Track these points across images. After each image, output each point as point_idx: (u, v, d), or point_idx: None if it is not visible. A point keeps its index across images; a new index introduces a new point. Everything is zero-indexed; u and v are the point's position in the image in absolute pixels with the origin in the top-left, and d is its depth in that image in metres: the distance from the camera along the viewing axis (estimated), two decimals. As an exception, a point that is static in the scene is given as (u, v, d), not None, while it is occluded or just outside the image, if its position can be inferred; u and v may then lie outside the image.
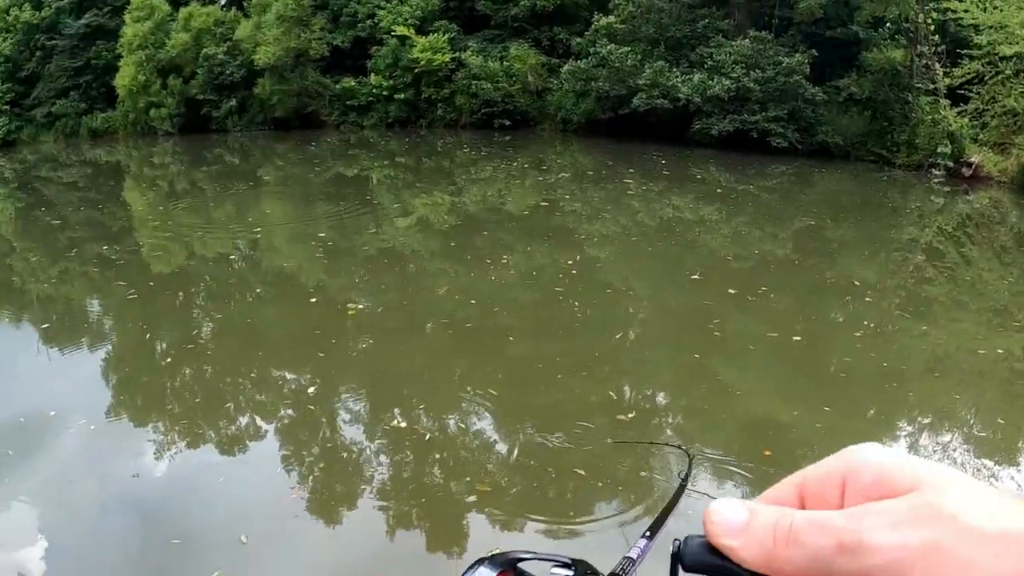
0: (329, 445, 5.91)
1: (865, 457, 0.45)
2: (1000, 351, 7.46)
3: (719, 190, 13.67)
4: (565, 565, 0.56)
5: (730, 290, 8.71)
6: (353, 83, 24.00)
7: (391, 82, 23.31)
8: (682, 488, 1.33)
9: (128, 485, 5.27)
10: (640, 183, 14.12)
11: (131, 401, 6.56)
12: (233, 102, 25.53)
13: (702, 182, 14.33)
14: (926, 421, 6.29)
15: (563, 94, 19.97)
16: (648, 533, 0.92)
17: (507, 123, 20.58)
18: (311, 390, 6.64)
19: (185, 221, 12.30)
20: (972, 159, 15.00)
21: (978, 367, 7.23)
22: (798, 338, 7.44)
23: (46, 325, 8.11)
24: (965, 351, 7.53)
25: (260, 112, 25.37)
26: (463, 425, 6.03)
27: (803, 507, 0.45)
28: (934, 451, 5.79)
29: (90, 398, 6.50)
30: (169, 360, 7.21)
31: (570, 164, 16.52)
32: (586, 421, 5.95)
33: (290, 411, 6.32)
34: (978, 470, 5.50)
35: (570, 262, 9.75)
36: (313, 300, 8.58)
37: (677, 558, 0.45)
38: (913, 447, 5.90)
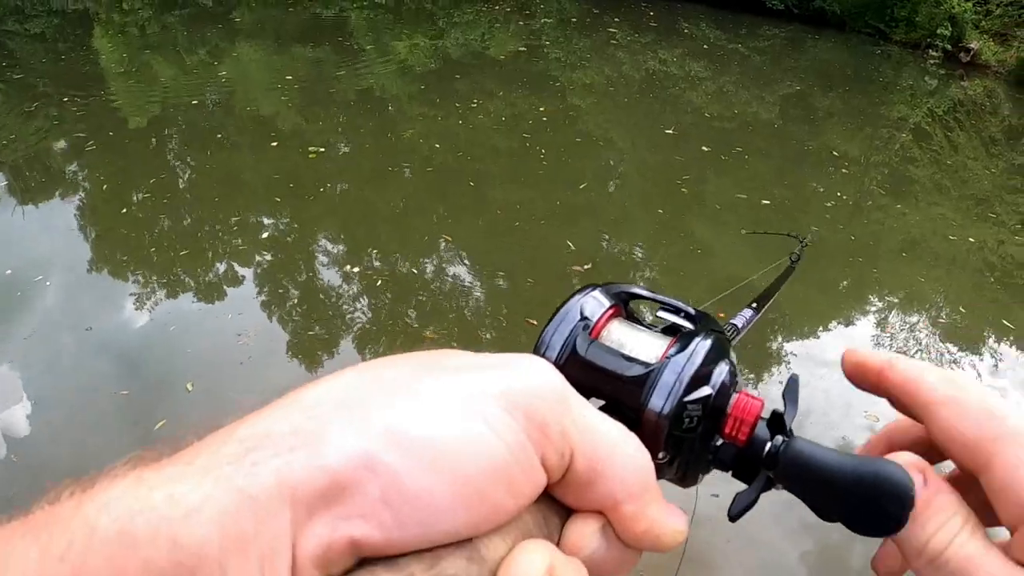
0: (280, 291, 5.72)
1: None
2: (973, 240, 7.33)
3: (706, 47, 13.04)
4: (680, 312, 0.48)
5: (704, 147, 8.35)
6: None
7: (373, -85, 21.84)
8: (791, 269, 1.29)
9: (80, 338, 5.12)
10: (626, 34, 13.43)
11: (85, 255, 6.21)
12: (204, -60, 23.84)
13: (690, 37, 13.66)
14: (895, 300, 6.23)
15: (554, -67, 18.86)
16: (755, 304, 0.89)
17: (491, -36, 19.52)
18: (276, 232, 6.41)
19: (154, 68, 11.49)
20: (971, 45, 14.44)
21: (951, 253, 7.10)
22: (767, 202, 7.20)
23: (3, 183, 7.55)
24: (940, 236, 7.37)
25: (234, -50, 23.75)
26: (415, 271, 5.86)
27: None
28: (900, 329, 5.79)
29: (46, 254, 6.18)
30: (124, 212, 6.81)
31: (555, 10, 15.71)
32: (538, 273, 5.77)
33: (242, 260, 6.07)
34: (940, 354, 5.55)
35: (549, 109, 9.32)
36: (274, 144, 8.07)
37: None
38: (881, 324, 5.91)
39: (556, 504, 0.36)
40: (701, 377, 0.43)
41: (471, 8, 15.39)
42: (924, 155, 9.49)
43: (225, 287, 5.77)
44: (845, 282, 6.38)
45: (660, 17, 14.83)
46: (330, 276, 5.85)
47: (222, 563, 0.26)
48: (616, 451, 0.35)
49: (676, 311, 0.49)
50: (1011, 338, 6.01)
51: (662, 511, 0.36)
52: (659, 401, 0.42)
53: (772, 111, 10.23)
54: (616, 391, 0.43)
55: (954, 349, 5.69)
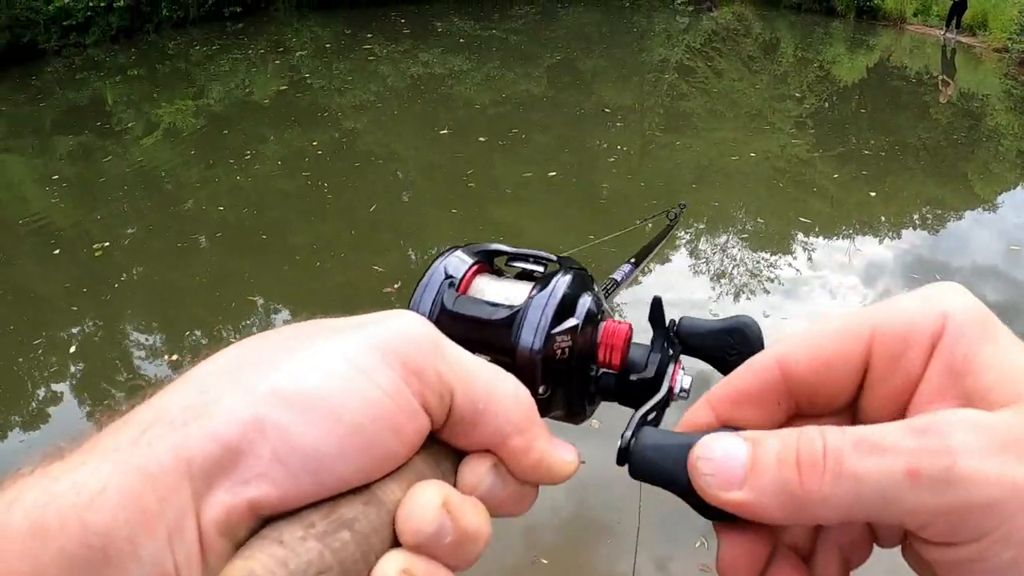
0: (106, 400, 5.32)
1: (923, 318, 0.33)
2: (755, 154, 7.59)
3: (462, 40, 13.12)
4: (540, 260, 0.49)
5: (480, 138, 8.30)
6: (67, 0, 21.24)
7: (107, -11, 20.79)
8: (670, 228, 1.36)
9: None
10: (383, 46, 13.33)
11: None
12: (-64, 53, 22.14)
13: (446, 34, 13.69)
14: (700, 227, 6.32)
15: (293, -33, 18.53)
16: (633, 260, 0.91)
17: (238, 10, 18.81)
18: (72, 349, 5.89)
19: None
20: (712, -23, 15.09)
21: (742, 170, 7.31)
22: (553, 173, 7.19)
23: None
24: (725, 158, 7.56)
25: (-30, 58, 22.09)
26: (237, 337, 5.49)
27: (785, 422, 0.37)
28: (712, 252, 5.93)
29: None
30: None
31: (309, 40, 15.48)
32: (353, 305, 5.51)
33: (59, 379, 5.62)
34: (757, 264, 5.73)
35: (316, 143, 9.08)
36: (57, 252, 7.42)
37: (625, 455, 0.38)
38: (694, 254, 6.02)
39: (447, 448, 0.36)
40: (565, 309, 0.44)
41: (225, 58, 14.97)
42: (693, 88, 9.76)
43: (48, 410, 5.38)
44: (650, 226, 6.40)
45: (412, 22, 14.79)
46: (153, 369, 5.49)
47: (131, 541, 0.27)
48: (494, 388, 0.35)
49: (536, 260, 0.49)
50: (815, 229, 6.25)
51: (550, 443, 0.37)
52: (528, 337, 0.43)
53: (541, 85, 10.30)
54: (488, 337, 0.44)
55: (768, 255, 5.83)
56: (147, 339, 5.91)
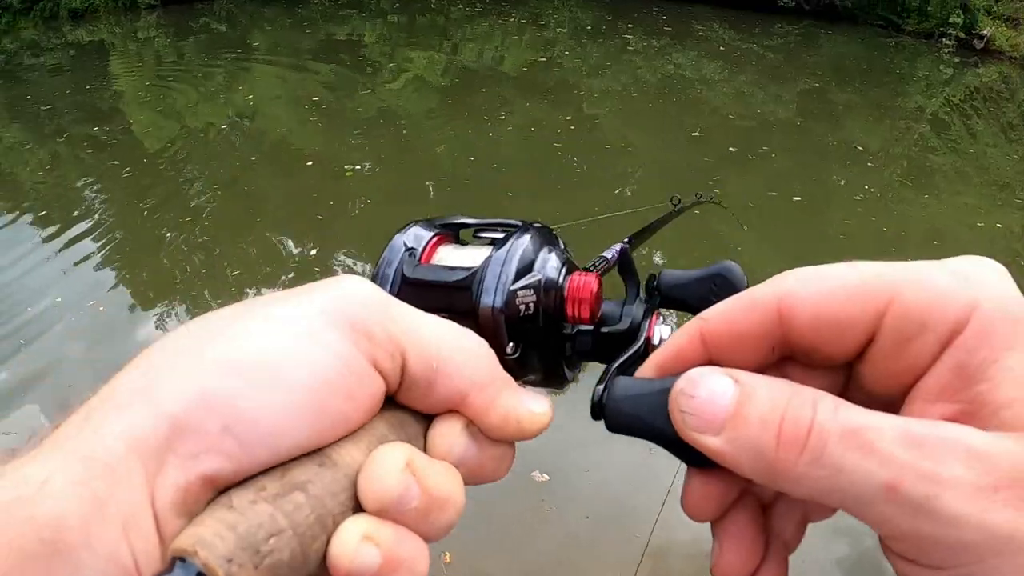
0: None
1: (948, 301, 0.30)
2: (999, 226, 7.39)
3: (722, 48, 13.17)
4: (501, 227, 0.50)
5: (730, 148, 8.45)
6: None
7: (381, -65, 21.87)
8: (675, 213, 1.23)
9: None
10: (641, 39, 13.56)
11: (134, 280, 6.15)
12: (217, -32, 23.91)
13: (705, 39, 13.78)
14: None
15: (562, -58, 18.93)
16: (628, 240, 0.84)
17: (503, -24, 19.55)
18: (313, 252, 6.43)
19: (175, 95, 11.58)
20: (984, 32, 14.51)
21: (977, 241, 7.15)
22: (798, 198, 7.29)
23: (44, 212, 7.50)
24: (965, 225, 7.42)
25: (246, -23, 23.74)
26: None
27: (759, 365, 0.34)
28: None
29: (92, 283, 6.07)
30: (168, 235, 6.72)
31: (568, 20, 15.83)
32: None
33: (291, 274, 6.09)
34: None
35: (568, 118, 9.41)
36: (309, 164, 8.17)
37: (599, 409, 0.35)
38: None
39: (412, 412, 0.35)
40: (525, 265, 0.45)
41: (484, 21, 15.48)
42: (943, 144, 9.59)
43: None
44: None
45: (673, 20, 14.93)
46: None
47: (84, 531, 0.26)
48: (449, 344, 0.35)
49: (503, 228, 0.51)
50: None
51: (516, 396, 0.36)
52: (488, 296, 0.44)
53: (790, 108, 10.36)
54: (450, 301, 0.44)
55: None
56: (354, 265, 6.23)
